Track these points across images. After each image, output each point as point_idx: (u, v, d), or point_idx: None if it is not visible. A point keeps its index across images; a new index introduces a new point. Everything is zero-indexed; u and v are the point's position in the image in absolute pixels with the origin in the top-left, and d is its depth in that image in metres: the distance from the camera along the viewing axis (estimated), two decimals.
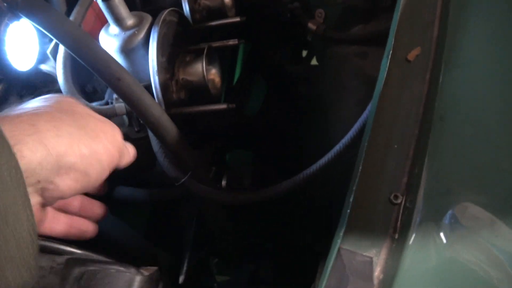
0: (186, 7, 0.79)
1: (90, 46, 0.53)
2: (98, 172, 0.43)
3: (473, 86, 0.44)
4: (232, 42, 0.77)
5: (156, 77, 0.63)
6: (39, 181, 0.37)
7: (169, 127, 0.58)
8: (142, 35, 0.64)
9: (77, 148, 0.40)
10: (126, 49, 0.64)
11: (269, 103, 1.09)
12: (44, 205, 0.41)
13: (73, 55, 0.53)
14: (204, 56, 0.69)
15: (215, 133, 0.86)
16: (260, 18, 0.95)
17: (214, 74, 0.73)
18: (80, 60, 0.54)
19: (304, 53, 1.12)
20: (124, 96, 0.55)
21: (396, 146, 0.44)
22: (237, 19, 0.81)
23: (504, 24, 0.47)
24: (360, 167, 0.43)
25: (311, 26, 0.86)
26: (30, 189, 0.37)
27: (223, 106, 0.66)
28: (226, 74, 0.92)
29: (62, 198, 0.41)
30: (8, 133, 0.32)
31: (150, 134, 0.63)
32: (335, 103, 0.87)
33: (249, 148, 1.05)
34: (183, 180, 0.59)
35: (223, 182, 0.74)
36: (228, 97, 0.87)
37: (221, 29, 0.85)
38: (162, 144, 0.59)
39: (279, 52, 1.01)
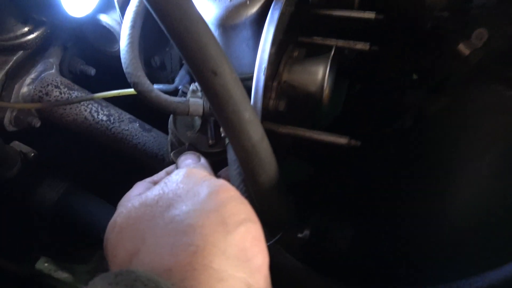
0: None
1: (185, 10, 0.32)
2: None
3: None
4: (361, 46, 0.55)
5: (262, 77, 0.42)
6: None
7: (267, 160, 0.37)
8: (255, 9, 0.43)
9: None
10: (226, 24, 0.43)
11: (351, 115, 0.86)
12: None
13: (155, 17, 0.33)
14: (330, 58, 0.47)
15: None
16: (389, 19, 0.72)
17: (330, 86, 0.51)
18: (162, 27, 0.33)
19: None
20: (215, 99, 0.34)
21: None
22: (371, 15, 0.58)
23: None
24: None
25: (463, 49, 0.62)
26: None
27: (343, 140, 0.44)
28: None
29: None
30: None
31: (231, 157, 0.42)
32: (460, 163, 0.63)
33: (305, 158, 0.82)
34: (268, 243, 0.38)
35: (305, 232, 0.53)
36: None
37: (340, 23, 0.63)
38: (249, 181, 0.38)
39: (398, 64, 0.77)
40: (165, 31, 0.34)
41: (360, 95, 0.87)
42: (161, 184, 0.32)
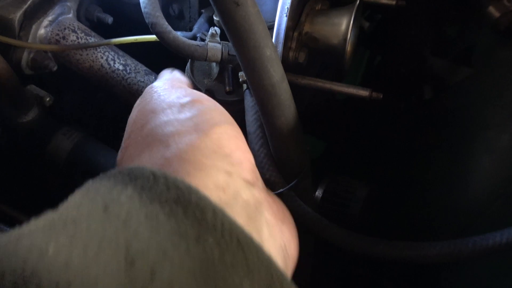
0: None
1: None
2: None
3: None
4: (387, 0, 0.53)
5: (285, 19, 0.40)
6: None
7: (287, 102, 0.36)
8: None
9: None
10: None
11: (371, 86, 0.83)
12: None
13: None
14: (354, 10, 0.45)
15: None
16: None
17: (353, 41, 0.50)
18: None
19: None
20: (235, 33, 0.33)
21: None
22: None
23: None
24: None
25: (493, 11, 0.59)
26: None
27: (364, 92, 0.43)
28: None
29: None
30: None
31: (248, 104, 0.41)
32: (481, 133, 0.61)
33: (320, 136, 0.80)
34: (283, 189, 0.37)
35: (318, 192, 0.53)
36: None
37: None
38: (267, 124, 0.37)
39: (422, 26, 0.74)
40: None
41: (380, 66, 0.85)
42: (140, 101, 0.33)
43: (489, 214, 0.57)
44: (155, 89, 0.33)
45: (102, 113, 0.69)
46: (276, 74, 0.35)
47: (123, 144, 0.31)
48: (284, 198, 0.38)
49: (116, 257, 0.17)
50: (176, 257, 0.18)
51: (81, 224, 0.18)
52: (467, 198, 0.58)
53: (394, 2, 0.52)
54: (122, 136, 0.35)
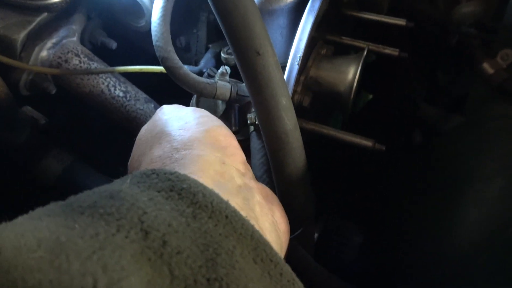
0: None
1: None
2: None
3: None
4: (390, 51, 0.54)
5: (296, 67, 0.41)
6: None
7: (298, 151, 0.36)
8: None
9: None
10: (265, 8, 0.42)
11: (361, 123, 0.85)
12: None
13: None
14: (362, 59, 0.46)
15: None
16: (415, 30, 0.72)
17: (356, 88, 0.51)
18: (210, 1, 0.32)
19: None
20: (254, 81, 0.33)
21: None
22: (402, 22, 0.58)
23: None
24: None
25: (487, 68, 0.62)
26: None
27: (368, 142, 0.43)
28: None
29: None
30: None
31: (255, 147, 0.41)
32: (469, 183, 0.63)
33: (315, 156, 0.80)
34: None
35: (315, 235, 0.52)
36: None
37: (367, 26, 0.62)
38: (276, 171, 0.37)
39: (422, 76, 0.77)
40: (212, 6, 0.33)
41: (372, 104, 0.86)
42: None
43: (476, 267, 0.58)
44: (164, 109, 0.36)
45: (99, 132, 0.68)
46: (290, 123, 0.35)
47: (134, 149, 0.34)
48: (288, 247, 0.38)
49: (133, 230, 0.20)
50: (180, 229, 0.22)
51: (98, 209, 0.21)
52: (455, 248, 0.59)
53: (396, 53, 0.54)
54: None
